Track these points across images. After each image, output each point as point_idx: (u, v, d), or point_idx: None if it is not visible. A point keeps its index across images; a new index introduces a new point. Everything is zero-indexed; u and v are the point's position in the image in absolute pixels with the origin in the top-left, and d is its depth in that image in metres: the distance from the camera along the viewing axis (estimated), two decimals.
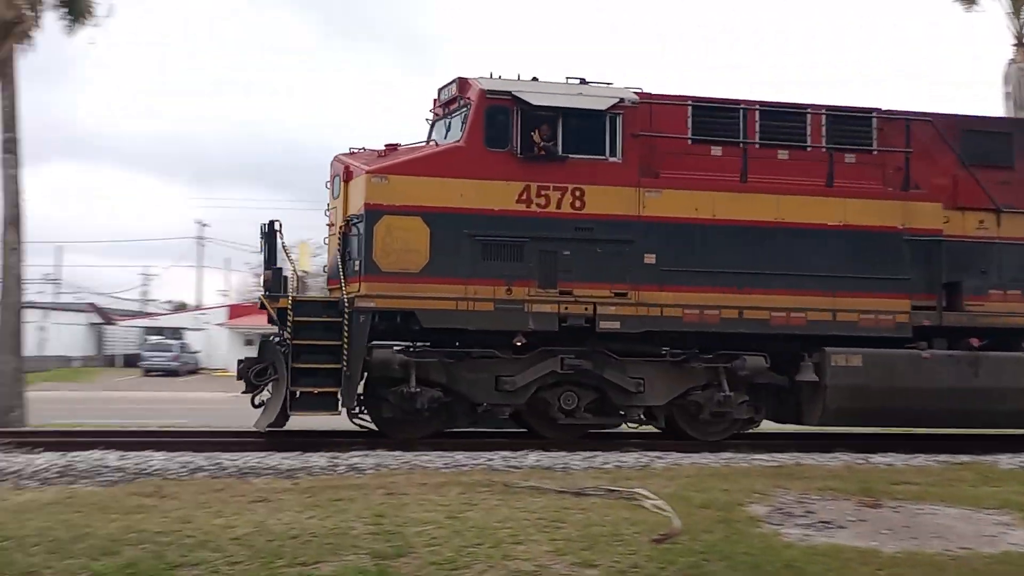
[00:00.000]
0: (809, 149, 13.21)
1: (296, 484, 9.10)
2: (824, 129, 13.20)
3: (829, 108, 13.31)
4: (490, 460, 10.92)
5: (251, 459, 10.66)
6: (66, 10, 18.43)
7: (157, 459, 10.52)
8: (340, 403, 11.87)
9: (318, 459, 10.76)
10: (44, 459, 10.40)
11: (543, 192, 12.17)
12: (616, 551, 6.70)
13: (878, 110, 13.57)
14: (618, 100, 12.40)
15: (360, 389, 12.14)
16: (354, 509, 7.71)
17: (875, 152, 13.35)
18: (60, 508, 7.76)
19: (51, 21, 18.37)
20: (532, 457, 11.16)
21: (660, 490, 8.64)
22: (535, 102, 12.09)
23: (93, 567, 6.16)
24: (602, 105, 12.31)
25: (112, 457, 10.56)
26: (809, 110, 13.27)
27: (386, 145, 12.65)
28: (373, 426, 12.53)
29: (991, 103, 25.61)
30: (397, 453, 11.12)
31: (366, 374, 11.97)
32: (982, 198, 13.42)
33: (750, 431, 13.66)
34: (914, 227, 13.08)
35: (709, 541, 7.03)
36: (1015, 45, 22.95)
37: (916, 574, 6.60)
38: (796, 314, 12.62)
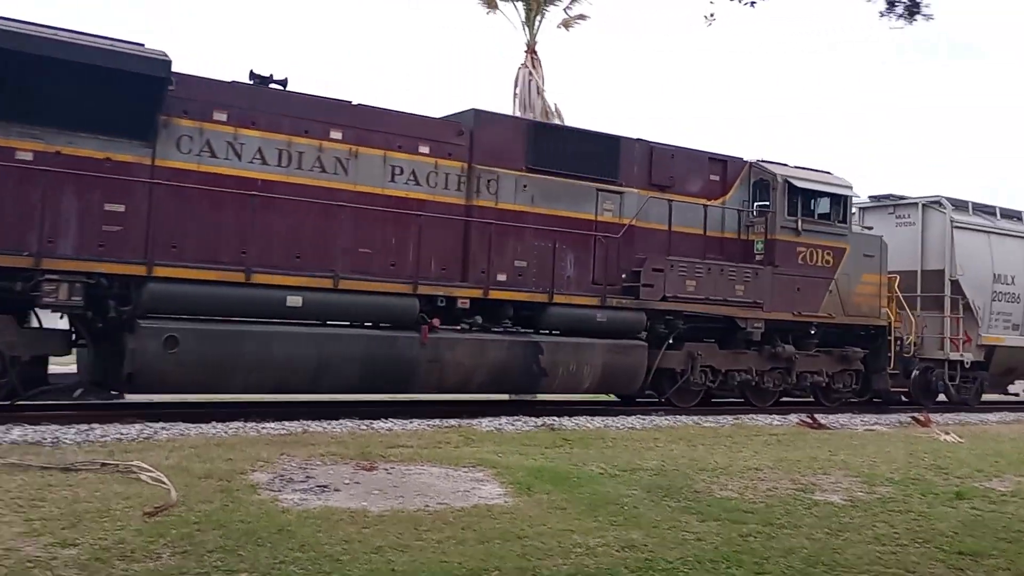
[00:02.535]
0: None
1: None
2: None
3: None
4: None
5: None
6: None
7: None
8: None
9: None
10: None
11: None
12: (102, 527, 6.34)
13: None
14: None
15: None
16: None
17: None
18: None
19: None
20: (16, 432, 10.02)
21: (161, 462, 8.39)
22: None
23: None
24: None
25: None
26: None
27: None
28: None
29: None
30: None
31: None
32: None
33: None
34: None
35: (206, 511, 6.89)
36: (526, 51, 25.93)
37: (397, 530, 6.81)
38: None
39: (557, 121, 23.08)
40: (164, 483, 7.46)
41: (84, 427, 10.51)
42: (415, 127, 14.08)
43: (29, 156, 11.15)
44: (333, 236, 12.91)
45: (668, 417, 15.16)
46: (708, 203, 17.05)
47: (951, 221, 20.76)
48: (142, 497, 7.09)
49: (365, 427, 11.96)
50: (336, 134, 13.30)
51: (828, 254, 18.10)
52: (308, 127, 13.08)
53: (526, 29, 26.17)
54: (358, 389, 13.51)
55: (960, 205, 21.41)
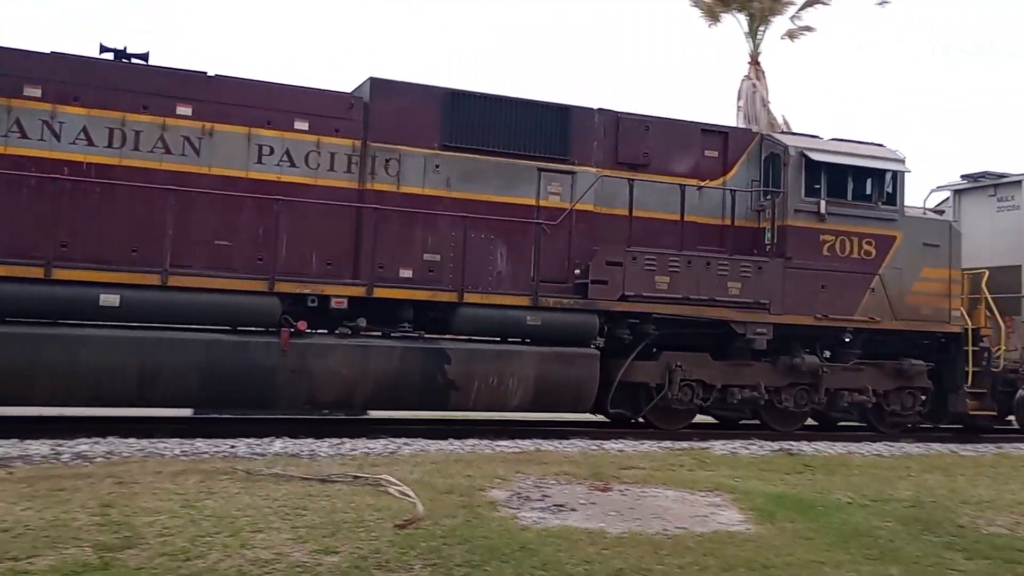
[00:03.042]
0: None
1: (10, 474, 8.27)
2: None
3: None
4: (233, 447, 10.01)
5: None
6: None
7: None
8: None
9: (39, 447, 9.52)
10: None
11: None
12: (359, 537, 6.64)
13: None
14: None
15: None
16: (78, 499, 7.16)
17: None
18: None
19: None
20: (278, 444, 10.38)
21: (406, 476, 8.50)
22: None
23: None
24: None
25: None
26: None
27: None
28: None
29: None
30: (131, 440, 10.03)
31: None
32: None
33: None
34: None
35: (450, 526, 7.05)
36: (749, 63, 25.73)
37: (637, 552, 6.85)
38: None
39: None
40: (410, 496, 7.71)
41: (336, 441, 10.85)
42: (290, 100, 12.16)
43: None
44: (178, 227, 11.17)
45: (919, 445, 13.77)
46: (702, 184, 14.08)
47: None
48: (391, 510, 7.36)
49: (596, 447, 11.68)
50: (184, 110, 11.59)
51: (869, 243, 14.59)
52: (148, 102, 11.45)
53: (749, 40, 26.15)
54: (201, 403, 11.72)
55: None
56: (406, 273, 12.36)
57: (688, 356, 13.77)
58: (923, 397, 15.15)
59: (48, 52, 11.30)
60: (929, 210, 16.44)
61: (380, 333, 12.04)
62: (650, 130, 13.93)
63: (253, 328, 11.53)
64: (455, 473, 8.99)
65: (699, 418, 14.75)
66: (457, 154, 12.76)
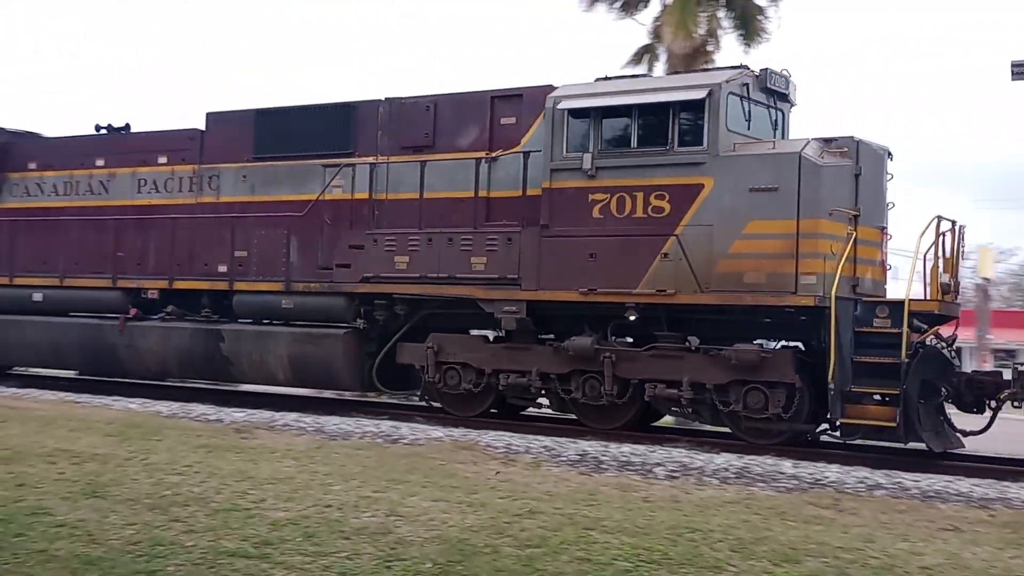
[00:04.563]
0: None
1: (992, 516, 8.15)
2: None
3: None
4: None
5: (935, 481, 9.61)
6: (741, 32, 19.07)
7: (832, 471, 9.99)
8: None
9: (1018, 490, 9.40)
10: (723, 459, 10.52)
11: None
12: None
13: None
14: None
15: None
16: None
17: None
18: (740, 508, 7.87)
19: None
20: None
21: None
22: None
23: (775, 572, 6.01)
24: None
25: (787, 464, 10.33)
26: None
27: None
28: None
29: None
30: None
31: None
32: None
33: None
34: None
35: None
36: None
37: None
38: None
39: None
40: None
41: None
42: (156, 142, 15.95)
43: None
44: (85, 243, 16.08)
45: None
46: (494, 155, 13.32)
47: None
48: None
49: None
50: (100, 162, 16.36)
51: (660, 197, 11.81)
52: (83, 161, 16.53)
53: None
54: (84, 370, 16.17)
55: None
56: (222, 268, 14.96)
57: (456, 338, 13.24)
58: (783, 396, 11.35)
59: (44, 136, 17.37)
60: (822, 140, 11.72)
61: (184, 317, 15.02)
62: (433, 109, 13.75)
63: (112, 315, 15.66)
64: None
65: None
66: (262, 164, 14.87)
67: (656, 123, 11.93)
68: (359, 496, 7.65)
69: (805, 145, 11.44)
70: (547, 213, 12.35)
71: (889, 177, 12.31)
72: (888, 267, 12.37)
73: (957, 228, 11.69)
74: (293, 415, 12.97)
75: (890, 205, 12.33)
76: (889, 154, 12.22)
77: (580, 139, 12.26)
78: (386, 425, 12.42)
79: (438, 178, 13.42)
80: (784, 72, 12.69)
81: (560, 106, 12.34)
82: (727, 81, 11.74)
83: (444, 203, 13.36)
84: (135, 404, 13.78)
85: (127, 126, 16.91)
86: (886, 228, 12.18)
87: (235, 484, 7.89)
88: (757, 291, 11.29)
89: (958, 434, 11.43)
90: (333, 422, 12.55)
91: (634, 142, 12.01)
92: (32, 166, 17.21)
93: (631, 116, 12.05)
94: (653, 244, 11.72)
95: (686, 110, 11.79)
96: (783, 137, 12.61)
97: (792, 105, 13.03)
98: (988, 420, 11.21)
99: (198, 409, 13.37)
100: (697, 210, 11.55)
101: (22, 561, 5.74)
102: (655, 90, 12.17)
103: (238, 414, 13.00)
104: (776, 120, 12.68)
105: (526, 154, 12.69)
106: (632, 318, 11.98)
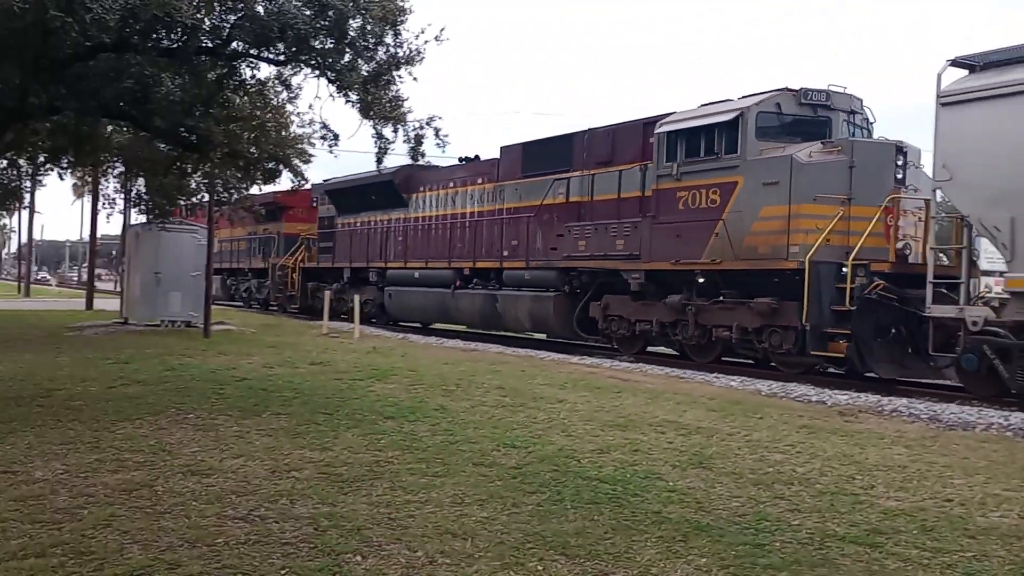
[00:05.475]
0: None
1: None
2: None
3: None
4: None
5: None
6: None
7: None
8: None
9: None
10: None
11: None
12: None
13: None
14: None
15: None
16: None
17: None
18: None
19: None
20: None
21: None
22: None
23: None
24: None
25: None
26: None
27: None
28: None
29: None
30: None
31: None
32: None
33: None
34: None
35: None
36: None
37: None
38: None
39: None
40: None
41: None
42: (477, 168, 23.52)
43: None
44: (438, 239, 24.25)
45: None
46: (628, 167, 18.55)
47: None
48: None
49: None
50: (451, 183, 24.34)
51: (714, 192, 16.32)
52: (444, 183, 24.62)
53: None
54: (434, 320, 24.60)
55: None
56: (502, 253, 21.99)
57: (615, 298, 18.73)
58: (793, 336, 15.29)
59: (426, 165, 25.69)
60: (823, 142, 14.89)
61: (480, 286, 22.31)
62: (611, 135, 19.22)
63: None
64: None
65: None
66: (525, 180, 21.46)
67: (710, 138, 16.32)
68: (985, 493, 7.11)
69: (799, 149, 15.10)
70: (654, 207, 17.32)
71: (911, 166, 15.05)
72: (901, 236, 14.97)
73: (925, 203, 14.29)
74: (903, 400, 12.71)
75: (910, 187, 15.05)
76: (899, 148, 15.02)
77: (672, 152, 17.02)
78: (1016, 417, 11.33)
79: (605, 185, 18.87)
80: (830, 87, 16.02)
81: (660, 129, 17.24)
82: (756, 103, 15.75)
83: (605, 204, 18.82)
84: (735, 382, 14.57)
85: (476, 157, 24.63)
86: (891, 206, 14.88)
87: (840, 467, 7.81)
88: (765, 259, 15.24)
89: (932, 367, 14.03)
90: (950, 410, 11.93)
91: (701, 152, 16.50)
92: (421, 188, 25.88)
93: (699, 134, 16.54)
94: (709, 226, 16.17)
95: (727, 128, 16.02)
96: (830, 137, 15.91)
97: (846, 112, 16.24)
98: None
99: (798, 390, 13.66)
100: (734, 200, 15.79)
101: (639, 520, 5.97)
102: (709, 115, 16.48)
103: (841, 396, 13.03)
104: (824, 125, 16.07)
105: (644, 165, 17.72)
106: (701, 280, 16.53)
